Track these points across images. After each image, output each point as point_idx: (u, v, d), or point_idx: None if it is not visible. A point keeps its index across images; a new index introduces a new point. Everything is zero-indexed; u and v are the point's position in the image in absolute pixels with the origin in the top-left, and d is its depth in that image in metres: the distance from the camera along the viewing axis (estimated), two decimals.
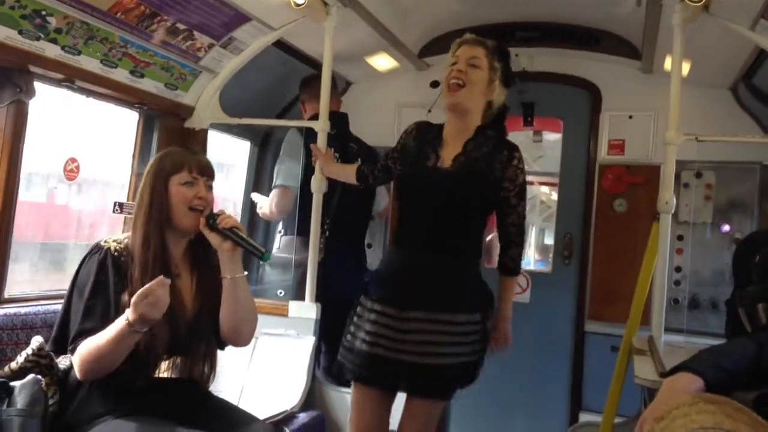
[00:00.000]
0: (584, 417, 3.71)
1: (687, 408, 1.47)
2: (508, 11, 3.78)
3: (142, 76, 2.83)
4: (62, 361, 2.04)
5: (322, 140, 3.08)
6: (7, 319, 2.28)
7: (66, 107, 2.77)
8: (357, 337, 2.35)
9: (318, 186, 3.05)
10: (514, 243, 2.43)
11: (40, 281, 3.04)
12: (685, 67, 2.99)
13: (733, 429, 1.40)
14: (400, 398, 2.39)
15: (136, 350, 1.90)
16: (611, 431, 2.92)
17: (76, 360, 1.90)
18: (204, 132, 3.28)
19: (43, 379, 1.92)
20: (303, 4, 2.85)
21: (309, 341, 2.98)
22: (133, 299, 1.80)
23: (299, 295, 3.12)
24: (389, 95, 4.16)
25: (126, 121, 3.12)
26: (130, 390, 1.92)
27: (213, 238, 2.05)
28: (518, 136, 3.95)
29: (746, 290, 2.11)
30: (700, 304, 3.64)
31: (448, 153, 2.38)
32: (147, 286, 1.80)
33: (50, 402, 1.91)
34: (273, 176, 3.43)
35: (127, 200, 3.03)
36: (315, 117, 3.18)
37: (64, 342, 1.97)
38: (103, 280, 1.96)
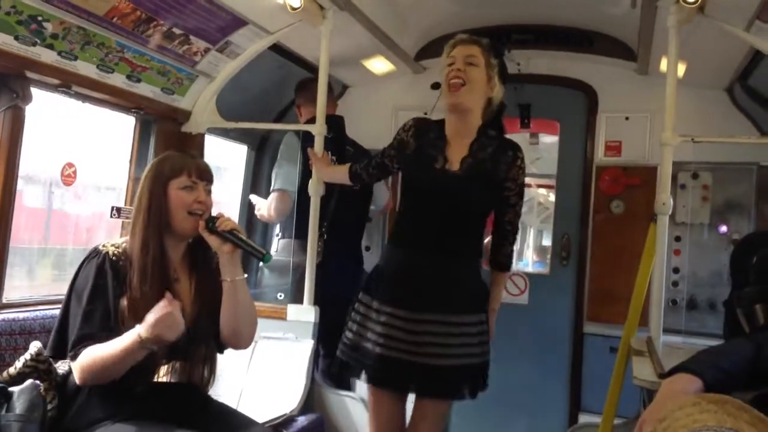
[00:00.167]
0: (583, 418, 3.71)
1: (690, 408, 1.47)
2: (503, 14, 3.80)
3: (138, 80, 2.83)
4: (61, 366, 2.04)
5: (318, 144, 3.08)
6: (6, 325, 2.27)
7: (63, 112, 2.77)
8: (365, 338, 2.36)
9: (315, 189, 3.05)
10: (508, 241, 2.47)
11: (37, 286, 3.03)
12: (681, 69, 3.00)
13: (736, 427, 1.41)
14: (410, 397, 2.42)
15: None
16: None
17: (76, 366, 1.89)
18: (201, 136, 3.28)
19: (41, 384, 1.92)
20: (299, 7, 2.85)
21: (308, 344, 2.97)
22: (149, 320, 1.81)
23: (298, 299, 3.11)
24: (386, 98, 4.17)
25: (123, 125, 3.12)
26: (129, 395, 1.92)
27: (212, 241, 2.05)
28: (515, 138, 3.93)
29: (744, 291, 2.12)
30: (698, 304, 3.64)
31: (455, 154, 2.39)
32: (164, 310, 1.81)
33: (49, 407, 1.92)
34: (270, 180, 3.43)
35: (125, 205, 3.03)
36: (311, 121, 3.18)
37: (62, 347, 1.96)
38: (102, 284, 1.95)
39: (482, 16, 3.76)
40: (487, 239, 2.55)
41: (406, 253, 2.39)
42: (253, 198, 3.56)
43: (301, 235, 3.20)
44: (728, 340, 2.15)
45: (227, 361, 2.23)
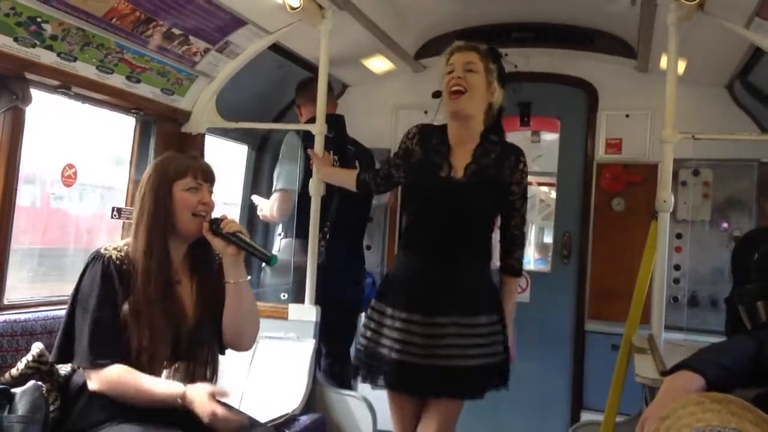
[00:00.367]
0: (586, 416, 3.71)
1: (693, 407, 1.47)
2: (502, 12, 3.79)
3: (138, 81, 2.83)
4: (63, 368, 2.04)
5: (319, 143, 3.08)
6: (7, 326, 2.27)
7: (63, 113, 2.77)
8: (380, 344, 2.40)
9: (316, 189, 3.05)
10: (516, 246, 2.50)
11: (38, 287, 3.03)
12: (681, 66, 3.00)
13: (739, 427, 1.40)
14: None
15: (139, 357, 1.91)
16: (613, 430, 2.92)
17: (99, 377, 1.89)
18: (201, 137, 3.28)
19: (43, 386, 1.92)
20: (298, 7, 2.85)
21: (309, 344, 2.97)
22: (196, 397, 1.84)
23: (299, 298, 3.11)
24: (386, 97, 4.17)
25: (123, 126, 3.12)
26: None
27: (217, 243, 2.05)
28: (516, 137, 3.96)
29: (745, 288, 2.11)
30: (700, 301, 3.64)
31: (459, 161, 2.42)
32: (212, 408, 1.82)
33: (51, 408, 1.92)
34: (271, 179, 3.43)
35: (125, 205, 3.03)
36: (312, 120, 3.18)
37: (68, 353, 1.96)
38: (109, 289, 1.94)
39: (482, 15, 3.76)
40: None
41: (416, 260, 2.42)
42: (255, 198, 3.56)
43: (302, 234, 3.20)
44: (730, 337, 2.14)
45: (229, 361, 2.23)
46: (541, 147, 4.78)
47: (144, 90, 2.90)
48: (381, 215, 4.01)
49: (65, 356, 1.97)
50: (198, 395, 1.85)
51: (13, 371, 1.98)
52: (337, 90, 4.04)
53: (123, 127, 3.12)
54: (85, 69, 2.57)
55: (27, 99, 2.39)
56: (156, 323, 1.93)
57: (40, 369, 1.97)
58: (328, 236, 3.24)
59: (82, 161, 2.79)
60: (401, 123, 4.09)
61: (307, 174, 3.15)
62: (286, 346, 2.97)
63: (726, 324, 2.35)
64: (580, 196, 3.95)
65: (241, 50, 3.14)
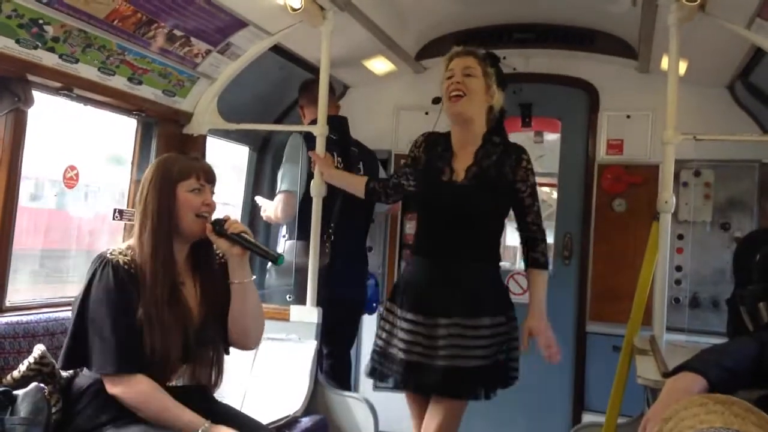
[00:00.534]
0: (587, 417, 3.71)
1: (696, 408, 1.47)
2: (503, 13, 3.79)
3: (140, 83, 2.83)
4: None
5: (321, 145, 3.08)
6: (9, 328, 2.26)
7: (65, 115, 2.77)
8: (391, 344, 2.47)
9: (318, 191, 3.05)
10: (538, 240, 2.51)
11: (40, 289, 3.03)
12: (682, 66, 3.00)
13: (742, 429, 1.40)
14: None
15: (152, 360, 1.91)
16: None
17: (124, 385, 1.89)
18: (203, 138, 3.28)
19: (45, 388, 1.92)
20: (299, 8, 2.85)
21: (311, 345, 2.97)
22: None
23: (301, 300, 3.11)
24: (387, 98, 4.17)
25: (125, 128, 3.12)
26: None
27: (221, 244, 2.05)
28: (518, 137, 3.95)
29: (747, 289, 2.11)
30: (701, 303, 3.64)
31: (460, 165, 2.47)
32: None
33: (53, 410, 1.91)
34: (272, 180, 3.42)
35: (127, 207, 3.03)
36: (315, 121, 3.18)
37: (76, 360, 1.95)
38: (126, 296, 1.93)
39: (483, 16, 3.76)
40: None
41: (424, 263, 2.49)
42: (259, 199, 3.56)
43: (305, 236, 3.20)
44: (732, 338, 2.14)
45: (231, 362, 2.23)
46: (545, 147, 4.78)
47: (145, 91, 2.90)
48: (382, 217, 4.01)
49: (74, 362, 1.97)
50: None
51: (15, 373, 1.98)
52: (338, 91, 4.05)
53: (124, 128, 3.12)
54: (86, 71, 2.57)
55: (29, 101, 2.39)
56: (166, 326, 1.93)
57: (42, 371, 1.97)
58: (333, 237, 3.24)
59: (84, 163, 2.79)
60: (402, 124, 4.10)
61: (310, 176, 3.14)
62: (288, 348, 2.97)
63: (728, 325, 2.36)
64: (581, 197, 3.95)
65: (243, 51, 3.14)
